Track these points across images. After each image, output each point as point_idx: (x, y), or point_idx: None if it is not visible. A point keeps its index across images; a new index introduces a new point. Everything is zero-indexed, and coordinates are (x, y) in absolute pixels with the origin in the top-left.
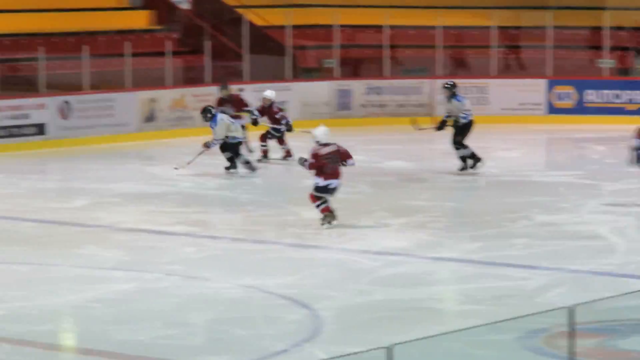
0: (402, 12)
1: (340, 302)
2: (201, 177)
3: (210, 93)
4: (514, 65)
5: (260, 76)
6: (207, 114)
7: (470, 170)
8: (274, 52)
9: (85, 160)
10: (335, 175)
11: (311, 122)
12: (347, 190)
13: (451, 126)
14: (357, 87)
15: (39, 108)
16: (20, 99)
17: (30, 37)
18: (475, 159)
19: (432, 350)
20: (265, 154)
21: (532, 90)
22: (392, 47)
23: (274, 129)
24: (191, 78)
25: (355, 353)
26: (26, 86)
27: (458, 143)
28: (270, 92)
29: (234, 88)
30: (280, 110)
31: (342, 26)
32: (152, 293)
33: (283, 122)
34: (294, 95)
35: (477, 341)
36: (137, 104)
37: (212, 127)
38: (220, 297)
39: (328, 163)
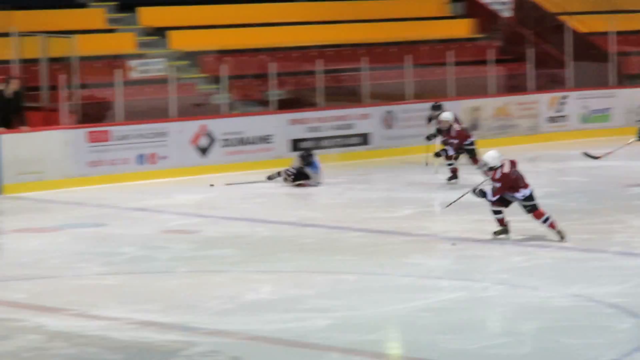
0: None
1: None
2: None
3: (534, 101)
4: None
5: (584, 83)
6: (309, 159)
7: None
8: (597, 59)
9: (409, 169)
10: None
11: (635, 129)
12: None
13: None
14: None
15: (363, 118)
16: (345, 109)
17: (353, 47)
18: None
19: None
20: (454, 173)
21: None
22: None
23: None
24: (514, 86)
25: None
26: (350, 96)
27: None
28: (447, 114)
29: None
30: (459, 134)
31: None
32: (479, 302)
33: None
34: (618, 102)
35: None
36: (461, 113)
37: (311, 170)
38: (549, 305)
39: (518, 176)
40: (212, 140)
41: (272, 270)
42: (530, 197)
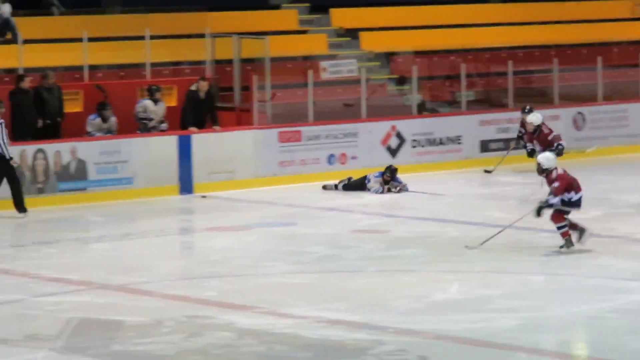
0: None
1: None
2: None
3: None
4: None
5: None
6: (394, 174)
7: None
8: None
9: (596, 170)
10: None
11: None
12: None
13: None
14: None
15: (553, 119)
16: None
17: (544, 49)
18: None
19: None
20: None
21: None
22: None
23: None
24: None
25: None
26: (540, 98)
27: None
28: (533, 117)
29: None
30: (551, 131)
31: None
32: None
33: (557, 145)
34: None
35: None
36: None
37: (396, 183)
38: None
39: (573, 178)
40: (402, 140)
41: (461, 270)
42: (578, 202)
